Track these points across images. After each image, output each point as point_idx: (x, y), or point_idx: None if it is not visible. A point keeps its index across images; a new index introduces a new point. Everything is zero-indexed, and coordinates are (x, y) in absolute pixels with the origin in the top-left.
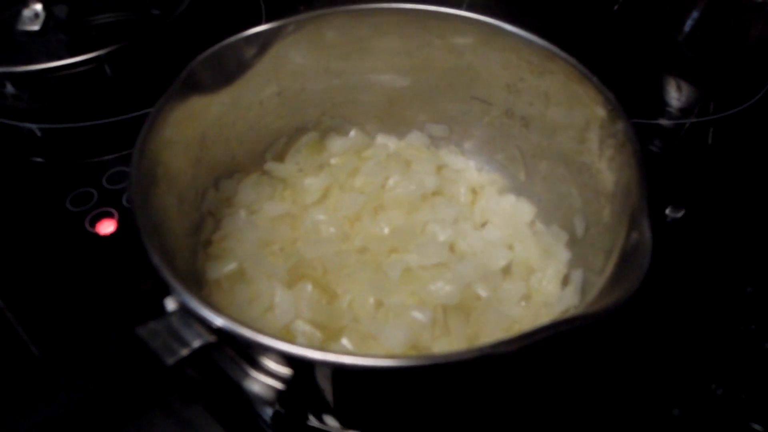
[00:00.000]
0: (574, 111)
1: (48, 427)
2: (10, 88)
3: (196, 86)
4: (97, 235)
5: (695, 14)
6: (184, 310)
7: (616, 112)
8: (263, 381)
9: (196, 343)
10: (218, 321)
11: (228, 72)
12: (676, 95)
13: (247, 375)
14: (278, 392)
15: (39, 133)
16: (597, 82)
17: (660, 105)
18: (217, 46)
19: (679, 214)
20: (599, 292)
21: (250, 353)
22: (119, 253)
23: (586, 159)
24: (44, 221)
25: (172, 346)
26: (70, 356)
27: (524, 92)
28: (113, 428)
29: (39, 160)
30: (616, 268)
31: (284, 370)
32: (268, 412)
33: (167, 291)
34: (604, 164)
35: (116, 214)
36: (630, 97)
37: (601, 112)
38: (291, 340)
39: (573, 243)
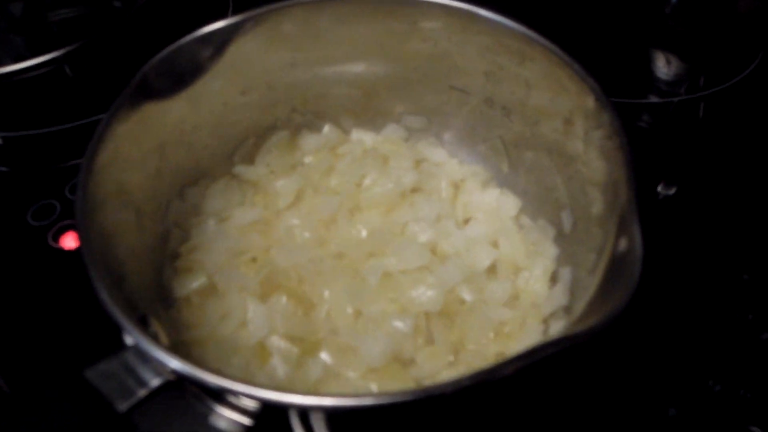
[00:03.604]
0: (557, 99)
1: None
2: None
3: (149, 93)
4: (61, 250)
5: None
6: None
7: (600, 102)
8: (230, 417)
9: (155, 382)
10: (173, 363)
11: (184, 74)
12: (665, 70)
13: (212, 410)
14: (246, 428)
15: (0, 142)
16: (579, 69)
17: (649, 81)
18: (169, 49)
19: (671, 192)
20: (587, 306)
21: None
22: (85, 269)
23: (571, 150)
24: (5, 237)
25: (129, 385)
26: (13, 408)
27: (504, 80)
28: None
29: (4, 169)
30: (605, 279)
31: (251, 403)
32: None
33: None
34: (591, 156)
35: None
36: (618, 73)
37: (585, 101)
38: (264, 359)
39: (561, 238)
